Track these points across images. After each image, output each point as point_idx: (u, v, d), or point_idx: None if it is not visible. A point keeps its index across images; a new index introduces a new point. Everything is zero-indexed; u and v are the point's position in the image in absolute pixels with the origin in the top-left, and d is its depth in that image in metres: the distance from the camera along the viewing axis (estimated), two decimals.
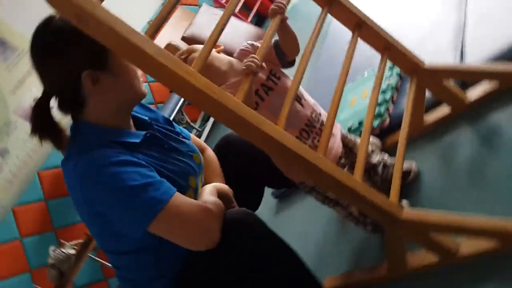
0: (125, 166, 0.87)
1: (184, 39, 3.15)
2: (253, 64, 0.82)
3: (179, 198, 0.89)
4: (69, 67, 0.90)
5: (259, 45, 1.03)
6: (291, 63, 1.08)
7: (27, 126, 3.11)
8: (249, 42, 1.07)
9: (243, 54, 1.06)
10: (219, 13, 3.50)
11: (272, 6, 0.96)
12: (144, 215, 0.86)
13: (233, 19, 3.35)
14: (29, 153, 2.80)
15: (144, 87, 1.01)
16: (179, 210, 0.87)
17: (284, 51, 1.04)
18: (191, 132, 3.38)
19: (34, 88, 3.02)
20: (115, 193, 0.86)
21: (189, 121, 3.16)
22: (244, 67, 0.82)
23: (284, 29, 0.99)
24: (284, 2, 0.96)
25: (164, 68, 0.71)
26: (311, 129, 1.06)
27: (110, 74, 0.92)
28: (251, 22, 3.94)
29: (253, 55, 0.84)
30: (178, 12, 3.80)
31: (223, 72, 1.04)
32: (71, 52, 0.90)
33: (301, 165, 0.81)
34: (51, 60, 0.91)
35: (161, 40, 2.66)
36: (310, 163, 0.79)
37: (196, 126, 3.48)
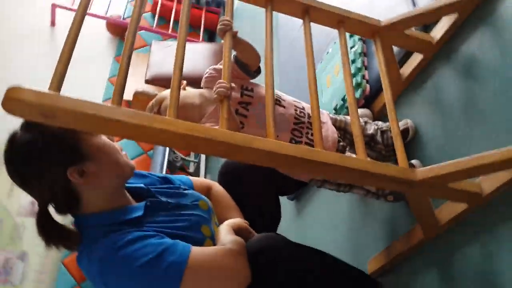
0: (134, 243, 0.87)
1: (148, 82, 3.15)
2: (223, 89, 0.83)
3: (198, 251, 0.89)
4: (51, 175, 0.90)
5: (221, 67, 1.04)
6: (257, 72, 1.08)
7: (33, 222, 3.10)
8: (211, 67, 1.08)
9: (209, 81, 1.06)
10: (170, 43, 3.50)
11: (219, 27, 0.96)
12: (170, 283, 0.85)
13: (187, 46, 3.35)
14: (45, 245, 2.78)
15: (129, 158, 1.01)
16: (202, 263, 0.87)
17: (246, 63, 1.05)
18: (188, 165, 3.39)
19: None
20: (134, 276, 0.86)
21: (183, 157, 3.15)
22: (215, 96, 0.82)
23: (238, 44, 0.99)
24: (228, 18, 0.96)
25: (142, 128, 0.71)
26: (300, 125, 1.06)
27: (91, 161, 0.92)
28: (204, 40, 3.95)
29: (220, 80, 0.85)
30: (133, 58, 3.79)
31: (198, 105, 1.03)
32: (46, 162, 0.89)
33: (305, 166, 0.81)
34: (32, 179, 0.91)
35: (126, 91, 2.66)
36: (312, 162, 0.79)
37: (191, 158, 3.48)
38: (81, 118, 0.68)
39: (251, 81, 1.10)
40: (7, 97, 0.64)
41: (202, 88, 1.09)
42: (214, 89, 0.84)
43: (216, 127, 0.82)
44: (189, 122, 0.74)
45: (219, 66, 1.07)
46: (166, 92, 1.01)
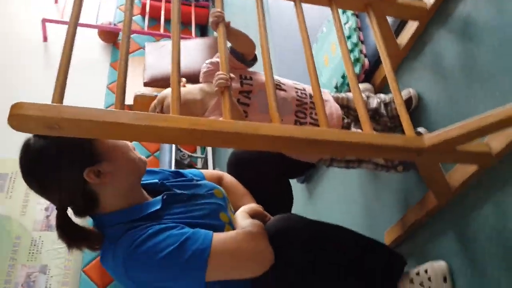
0: (155, 237, 0.88)
1: (146, 84, 3.15)
2: (222, 80, 0.83)
3: (219, 237, 0.90)
4: (68, 179, 0.91)
5: (218, 59, 1.04)
6: (253, 60, 1.08)
7: (51, 236, 3.16)
8: (207, 61, 1.08)
9: (208, 75, 1.06)
10: (164, 43, 3.50)
11: (211, 19, 0.96)
12: (196, 270, 0.86)
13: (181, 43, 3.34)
14: (66, 257, 2.84)
15: (140, 154, 1.01)
16: (225, 248, 0.88)
17: (241, 52, 1.05)
18: (196, 162, 3.41)
19: (40, 199, 3.05)
20: (159, 267, 0.87)
21: (190, 154, 3.17)
22: (216, 88, 0.83)
23: (231, 34, 0.99)
24: (219, 10, 0.96)
25: (147, 129, 0.72)
26: (304, 106, 1.06)
27: (106, 160, 0.93)
28: (196, 35, 3.94)
29: (218, 72, 0.85)
30: (129, 62, 3.79)
31: (200, 100, 1.04)
32: (62, 167, 0.90)
33: (313, 147, 0.81)
34: (49, 184, 0.92)
35: (127, 96, 2.66)
36: (319, 141, 0.79)
37: (198, 154, 3.49)
38: (87, 126, 0.69)
39: (249, 69, 1.10)
40: (12, 114, 0.65)
41: (201, 83, 1.09)
42: (213, 81, 0.84)
43: (220, 118, 0.82)
44: (192, 117, 0.75)
45: (215, 59, 1.07)
46: (167, 91, 1.01)
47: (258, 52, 1.02)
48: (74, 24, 0.80)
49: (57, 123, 0.67)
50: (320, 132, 0.80)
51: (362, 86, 1.28)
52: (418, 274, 1.01)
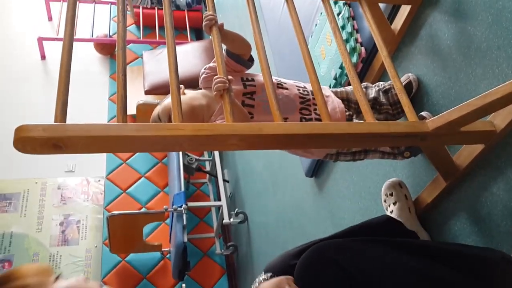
0: None
1: (147, 92, 3.17)
2: (220, 83, 0.83)
3: None
4: None
5: (215, 64, 1.05)
6: (250, 61, 1.09)
7: (69, 250, 3.18)
8: (205, 67, 1.08)
9: (207, 80, 1.07)
10: (161, 50, 3.51)
11: (204, 23, 0.96)
12: None
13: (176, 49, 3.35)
14: (83, 269, 2.88)
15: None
16: None
17: (238, 54, 1.05)
18: (204, 165, 3.42)
19: (54, 215, 3.10)
20: None
21: (197, 157, 3.18)
22: (215, 92, 0.83)
23: (226, 36, 1.00)
24: (211, 13, 0.96)
25: (152, 139, 0.72)
26: (307, 103, 1.06)
27: None
28: (192, 39, 3.94)
29: (215, 76, 0.85)
30: (128, 72, 3.81)
31: (207, 105, 1.04)
32: None
33: (317, 141, 0.82)
34: None
35: (129, 106, 2.68)
36: (322, 135, 0.80)
37: (206, 157, 3.50)
38: (92, 142, 0.70)
39: (248, 72, 1.11)
40: (17, 137, 0.66)
41: (201, 89, 1.09)
42: (212, 86, 0.85)
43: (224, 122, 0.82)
44: (194, 123, 0.75)
45: (212, 64, 1.07)
46: (169, 101, 1.02)
47: (254, 52, 1.02)
48: (69, 41, 0.81)
49: (62, 141, 0.67)
50: (322, 126, 0.80)
51: None
52: None
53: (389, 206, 1.15)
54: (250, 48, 1.06)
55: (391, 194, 1.15)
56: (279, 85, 1.05)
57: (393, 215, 1.12)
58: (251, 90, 1.04)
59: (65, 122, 0.71)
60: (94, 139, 0.69)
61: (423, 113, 1.07)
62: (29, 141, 0.66)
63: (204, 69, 1.08)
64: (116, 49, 0.84)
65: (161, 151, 0.83)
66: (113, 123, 0.71)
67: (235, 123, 0.78)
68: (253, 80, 1.06)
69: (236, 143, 0.79)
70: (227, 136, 0.76)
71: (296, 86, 1.09)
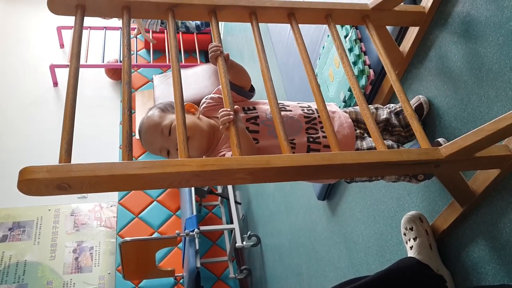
0: None
1: None
2: (226, 116, 0.83)
3: None
4: None
5: (216, 95, 1.07)
6: (251, 91, 1.09)
7: (81, 278, 3.17)
8: (207, 97, 1.09)
9: (208, 110, 1.07)
10: (171, 73, 3.53)
11: (210, 54, 0.96)
12: None
13: (187, 71, 3.39)
14: None
15: None
16: None
17: (240, 86, 1.05)
18: (216, 187, 3.40)
19: (67, 242, 3.10)
20: None
21: None
22: (221, 126, 0.82)
23: (231, 68, 1.00)
24: (217, 43, 0.96)
25: (158, 176, 0.71)
26: (313, 122, 1.04)
27: None
28: (202, 62, 3.97)
29: (222, 109, 0.85)
30: (139, 97, 3.86)
31: (212, 133, 1.04)
32: None
33: (327, 172, 0.80)
34: None
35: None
36: (332, 166, 0.78)
37: None
38: (97, 181, 0.69)
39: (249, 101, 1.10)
40: (22, 180, 0.65)
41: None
42: (219, 120, 0.84)
43: (230, 153, 0.80)
44: (201, 159, 0.74)
45: (214, 94, 1.07)
46: (173, 116, 1.01)
47: (260, 82, 1.01)
48: (74, 74, 0.81)
49: (66, 182, 0.67)
50: (332, 157, 0.78)
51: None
52: None
53: (409, 240, 1.11)
54: (250, 79, 1.07)
55: (411, 229, 1.11)
56: (282, 109, 1.04)
57: (412, 251, 1.08)
58: (253, 115, 1.03)
59: (70, 161, 0.70)
60: (99, 178, 0.68)
61: (440, 140, 1.04)
62: (33, 183, 0.65)
63: (206, 99, 1.08)
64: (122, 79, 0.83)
65: (168, 188, 0.82)
66: (118, 162, 0.70)
67: (242, 156, 0.77)
68: (254, 108, 1.06)
69: (244, 177, 0.77)
70: (234, 170, 0.74)
71: (300, 106, 1.07)
